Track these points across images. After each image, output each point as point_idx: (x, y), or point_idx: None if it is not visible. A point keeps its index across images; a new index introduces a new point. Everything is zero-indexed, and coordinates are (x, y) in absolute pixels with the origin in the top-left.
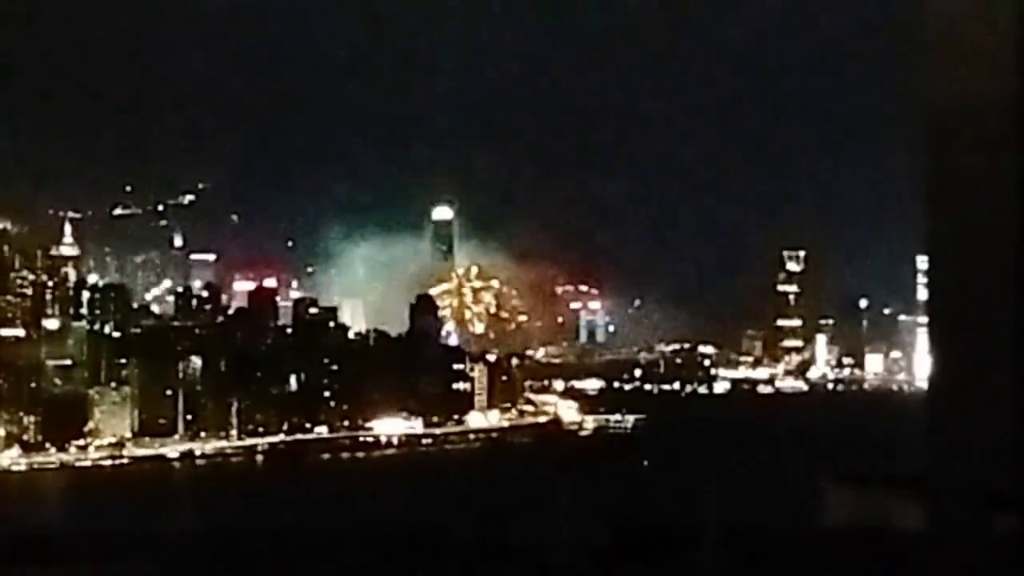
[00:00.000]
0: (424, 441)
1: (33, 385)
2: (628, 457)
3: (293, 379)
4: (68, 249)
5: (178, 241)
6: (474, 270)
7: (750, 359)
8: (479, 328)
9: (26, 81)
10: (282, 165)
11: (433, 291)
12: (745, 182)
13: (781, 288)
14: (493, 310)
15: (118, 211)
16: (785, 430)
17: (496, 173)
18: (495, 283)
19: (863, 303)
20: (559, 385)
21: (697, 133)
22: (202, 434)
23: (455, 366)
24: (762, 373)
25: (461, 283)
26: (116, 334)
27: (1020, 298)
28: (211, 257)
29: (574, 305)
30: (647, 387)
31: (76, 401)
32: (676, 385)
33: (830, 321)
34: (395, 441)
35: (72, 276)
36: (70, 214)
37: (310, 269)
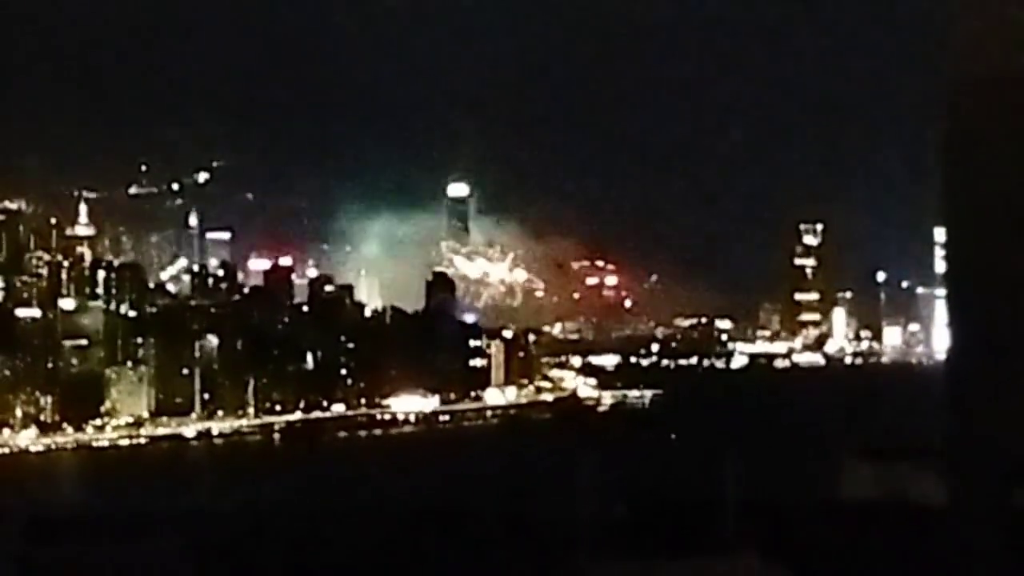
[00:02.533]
0: (441, 418)
1: (49, 365)
2: (646, 432)
3: (310, 357)
4: (84, 229)
5: (194, 220)
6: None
7: (767, 333)
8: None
9: (42, 60)
10: (297, 143)
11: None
12: (762, 154)
13: (798, 261)
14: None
15: (133, 190)
16: (803, 404)
17: (512, 149)
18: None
19: (881, 276)
20: (576, 361)
21: (714, 106)
22: (219, 413)
23: (472, 343)
24: (780, 347)
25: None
26: (132, 313)
27: None
28: (227, 236)
29: (591, 280)
30: (664, 362)
31: (93, 381)
32: (693, 360)
33: (848, 294)
34: (412, 418)
35: (88, 256)
36: (85, 194)
37: (326, 247)
